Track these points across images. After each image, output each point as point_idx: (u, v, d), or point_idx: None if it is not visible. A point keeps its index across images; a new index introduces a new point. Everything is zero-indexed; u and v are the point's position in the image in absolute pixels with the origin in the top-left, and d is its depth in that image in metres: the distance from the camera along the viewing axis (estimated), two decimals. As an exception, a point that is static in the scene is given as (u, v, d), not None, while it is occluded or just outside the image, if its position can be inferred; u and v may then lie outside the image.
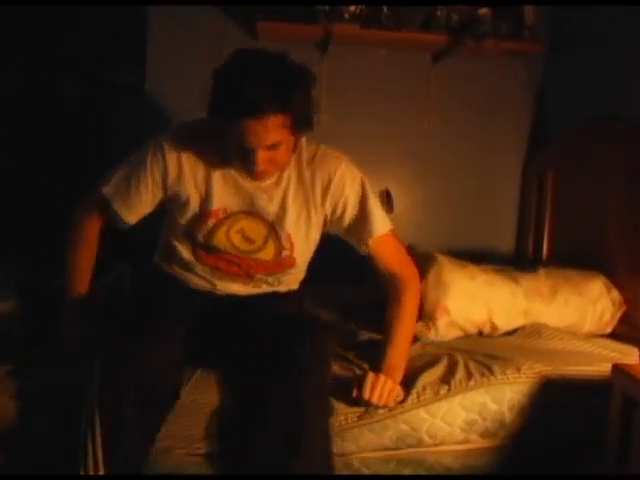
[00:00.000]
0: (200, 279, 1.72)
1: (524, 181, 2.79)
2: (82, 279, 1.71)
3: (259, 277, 1.72)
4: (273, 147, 1.44)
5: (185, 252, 1.69)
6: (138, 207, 1.64)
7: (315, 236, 1.72)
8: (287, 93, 1.38)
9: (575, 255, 2.39)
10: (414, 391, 1.62)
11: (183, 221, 1.65)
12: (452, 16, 2.53)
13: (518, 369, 1.70)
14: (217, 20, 2.56)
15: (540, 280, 2.06)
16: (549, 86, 2.75)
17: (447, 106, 2.72)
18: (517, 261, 2.71)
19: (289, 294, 1.81)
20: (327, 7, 2.41)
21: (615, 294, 2.09)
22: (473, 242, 2.77)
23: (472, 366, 1.71)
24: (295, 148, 1.58)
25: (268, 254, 1.67)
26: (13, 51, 3.08)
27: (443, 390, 1.64)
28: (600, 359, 1.82)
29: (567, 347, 1.88)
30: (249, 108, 1.36)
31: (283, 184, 1.62)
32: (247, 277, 1.72)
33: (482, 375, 1.67)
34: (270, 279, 1.74)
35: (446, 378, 1.67)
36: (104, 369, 1.40)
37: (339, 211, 1.67)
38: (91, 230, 1.70)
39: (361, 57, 2.66)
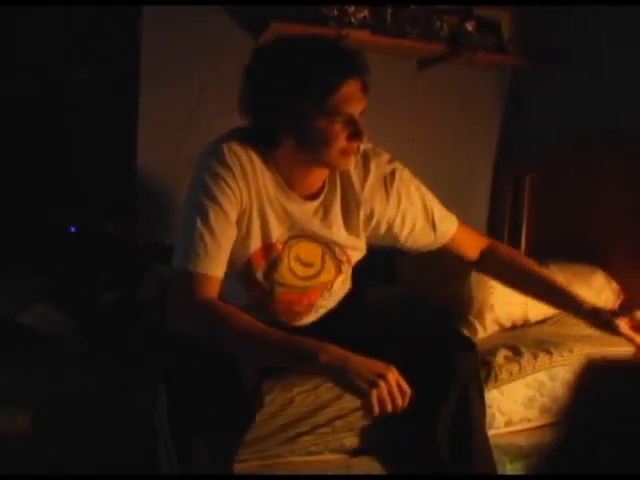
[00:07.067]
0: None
1: (497, 183, 3.03)
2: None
3: (319, 303, 1.57)
4: (361, 115, 1.34)
5: (242, 296, 1.51)
6: (225, 257, 1.37)
7: (364, 234, 1.55)
8: (363, 56, 1.35)
9: (553, 250, 2.61)
10: (493, 373, 1.73)
11: (238, 259, 1.44)
12: (444, 27, 2.70)
13: (571, 350, 1.85)
14: (218, 20, 2.54)
15: (555, 274, 2.24)
16: (527, 98, 2.97)
17: (431, 112, 2.88)
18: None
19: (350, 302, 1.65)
20: (336, 12, 2.48)
21: (614, 285, 2.31)
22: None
23: (533, 350, 1.84)
24: None
25: (330, 273, 1.53)
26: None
27: (515, 370, 1.76)
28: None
29: (595, 333, 2.07)
30: (349, 67, 1.30)
31: (330, 199, 1.48)
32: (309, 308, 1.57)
33: (544, 356, 1.81)
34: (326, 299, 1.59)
35: (515, 359, 1.79)
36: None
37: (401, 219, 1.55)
38: (218, 307, 1.31)
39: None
